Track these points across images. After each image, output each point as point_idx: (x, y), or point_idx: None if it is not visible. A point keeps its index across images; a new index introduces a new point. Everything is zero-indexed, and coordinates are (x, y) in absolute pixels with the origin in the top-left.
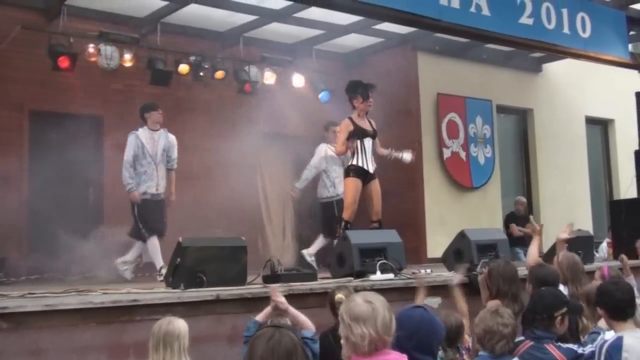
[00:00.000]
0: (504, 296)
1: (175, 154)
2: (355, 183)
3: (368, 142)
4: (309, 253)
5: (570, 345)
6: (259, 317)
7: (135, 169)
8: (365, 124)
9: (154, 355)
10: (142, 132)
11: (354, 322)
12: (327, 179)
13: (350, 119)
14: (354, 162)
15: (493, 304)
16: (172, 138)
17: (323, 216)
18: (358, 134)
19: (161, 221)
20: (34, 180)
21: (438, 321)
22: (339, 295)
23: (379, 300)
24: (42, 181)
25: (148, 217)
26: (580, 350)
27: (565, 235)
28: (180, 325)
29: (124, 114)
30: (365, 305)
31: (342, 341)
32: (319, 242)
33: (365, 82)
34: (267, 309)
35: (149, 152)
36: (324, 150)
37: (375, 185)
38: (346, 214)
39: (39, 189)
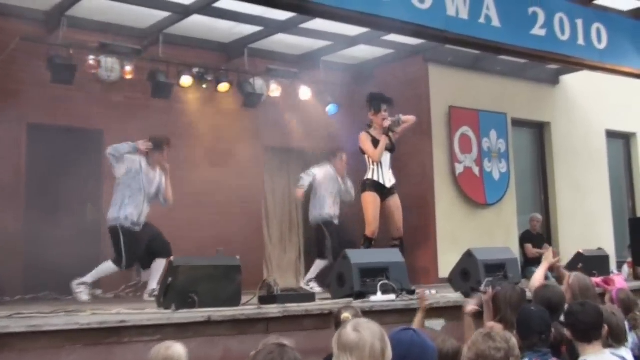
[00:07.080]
0: (509, 322)
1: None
2: (373, 198)
3: (386, 156)
4: (308, 279)
5: None
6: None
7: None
8: (381, 137)
9: None
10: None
11: (341, 352)
12: (315, 199)
13: (367, 131)
14: (370, 177)
15: (489, 325)
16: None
17: (315, 238)
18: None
19: None
20: (30, 195)
21: (430, 345)
22: (345, 315)
23: (369, 329)
24: (39, 196)
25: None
26: None
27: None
28: (179, 350)
29: (125, 128)
30: (353, 335)
31: None
32: (316, 265)
33: (380, 95)
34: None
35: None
36: (328, 168)
37: (395, 201)
38: (368, 231)
39: (36, 204)
